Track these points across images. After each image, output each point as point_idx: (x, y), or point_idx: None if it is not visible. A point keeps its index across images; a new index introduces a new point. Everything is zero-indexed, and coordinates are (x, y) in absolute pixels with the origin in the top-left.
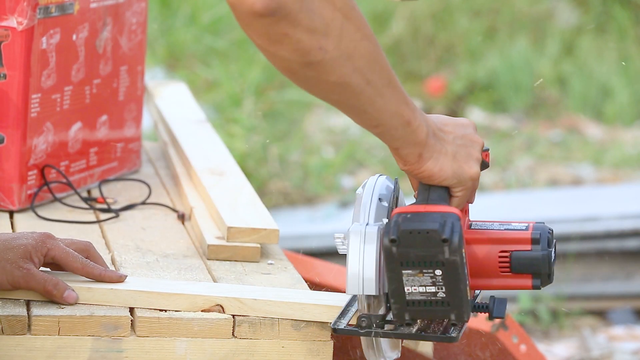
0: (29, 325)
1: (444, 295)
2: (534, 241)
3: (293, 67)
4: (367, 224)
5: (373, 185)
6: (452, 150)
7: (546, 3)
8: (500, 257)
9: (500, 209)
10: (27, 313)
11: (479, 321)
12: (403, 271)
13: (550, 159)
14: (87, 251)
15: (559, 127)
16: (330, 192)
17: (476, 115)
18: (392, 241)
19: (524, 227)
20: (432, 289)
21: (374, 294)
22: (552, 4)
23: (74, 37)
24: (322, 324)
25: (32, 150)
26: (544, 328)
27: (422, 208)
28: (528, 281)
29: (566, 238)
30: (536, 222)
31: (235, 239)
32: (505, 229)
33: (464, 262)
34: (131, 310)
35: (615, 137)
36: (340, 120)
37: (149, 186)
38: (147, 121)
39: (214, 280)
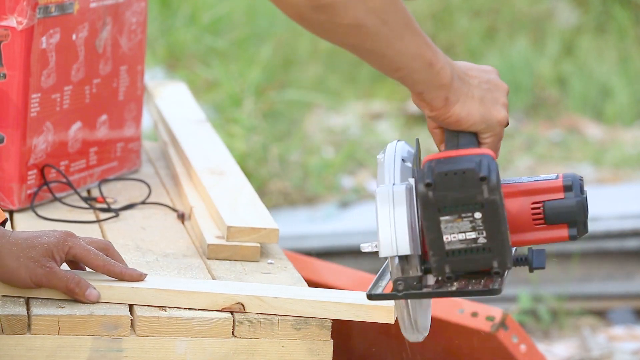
0: (29, 325)
1: (485, 241)
2: (566, 188)
3: (303, 12)
4: (393, 184)
5: (394, 148)
6: (478, 94)
7: (546, 3)
8: (533, 208)
9: None
10: (27, 312)
11: (478, 321)
12: (441, 218)
13: (550, 159)
14: (106, 250)
15: (559, 127)
16: (330, 192)
17: None
18: (428, 185)
19: (554, 177)
20: (472, 235)
21: (408, 253)
22: (552, 4)
23: (74, 36)
24: (323, 323)
25: (32, 150)
26: (544, 328)
27: (453, 153)
28: (564, 231)
29: None
30: (566, 172)
31: (235, 239)
32: (535, 180)
33: (503, 203)
34: (131, 309)
35: (615, 137)
36: (340, 120)
37: (148, 186)
38: (147, 121)
39: (214, 280)
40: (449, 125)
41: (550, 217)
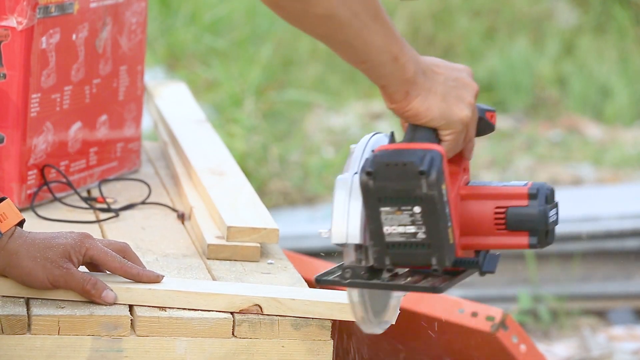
0: (29, 325)
1: (424, 236)
2: (531, 196)
3: (280, 0)
4: (355, 173)
5: (367, 140)
6: (441, 91)
7: (546, 3)
8: (496, 213)
9: None
10: (27, 312)
11: (478, 321)
12: (381, 208)
13: (550, 159)
14: (124, 251)
15: (559, 127)
16: (330, 192)
17: None
18: (368, 174)
19: (522, 184)
20: (412, 229)
21: (358, 242)
22: (552, 4)
23: (74, 36)
24: (322, 323)
25: (32, 150)
26: (544, 328)
27: (404, 145)
28: (524, 239)
29: (566, 238)
30: (536, 182)
31: (235, 239)
32: (502, 185)
33: (444, 200)
34: (131, 309)
35: (615, 137)
36: (340, 120)
37: (148, 186)
38: (147, 121)
39: (214, 280)
40: (407, 119)
41: (511, 224)
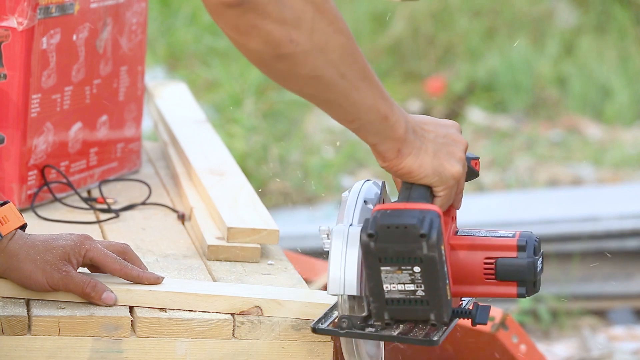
0: (29, 326)
1: (423, 294)
2: (520, 248)
3: (264, 60)
4: (350, 225)
5: (359, 189)
6: (432, 148)
7: (546, 3)
8: (485, 263)
9: (500, 209)
10: (27, 313)
11: None
12: (381, 268)
13: (550, 159)
14: (124, 253)
15: (559, 127)
16: (330, 192)
17: (476, 115)
18: (370, 236)
19: (510, 235)
20: (411, 287)
21: (355, 294)
22: (552, 4)
23: (74, 37)
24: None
25: (32, 151)
26: (544, 328)
27: (402, 205)
28: (513, 289)
29: (566, 238)
30: (523, 231)
31: (235, 240)
32: (491, 236)
33: (443, 260)
34: (131, 310)
35: (615, 137)
36: None
37: (149, 186)
38: (147, 121)
39: (214, 281)
40: (401, 177)
41: (500, 274)
